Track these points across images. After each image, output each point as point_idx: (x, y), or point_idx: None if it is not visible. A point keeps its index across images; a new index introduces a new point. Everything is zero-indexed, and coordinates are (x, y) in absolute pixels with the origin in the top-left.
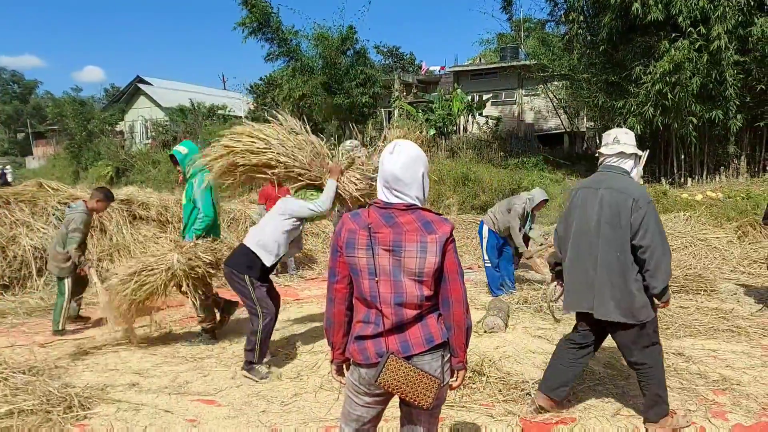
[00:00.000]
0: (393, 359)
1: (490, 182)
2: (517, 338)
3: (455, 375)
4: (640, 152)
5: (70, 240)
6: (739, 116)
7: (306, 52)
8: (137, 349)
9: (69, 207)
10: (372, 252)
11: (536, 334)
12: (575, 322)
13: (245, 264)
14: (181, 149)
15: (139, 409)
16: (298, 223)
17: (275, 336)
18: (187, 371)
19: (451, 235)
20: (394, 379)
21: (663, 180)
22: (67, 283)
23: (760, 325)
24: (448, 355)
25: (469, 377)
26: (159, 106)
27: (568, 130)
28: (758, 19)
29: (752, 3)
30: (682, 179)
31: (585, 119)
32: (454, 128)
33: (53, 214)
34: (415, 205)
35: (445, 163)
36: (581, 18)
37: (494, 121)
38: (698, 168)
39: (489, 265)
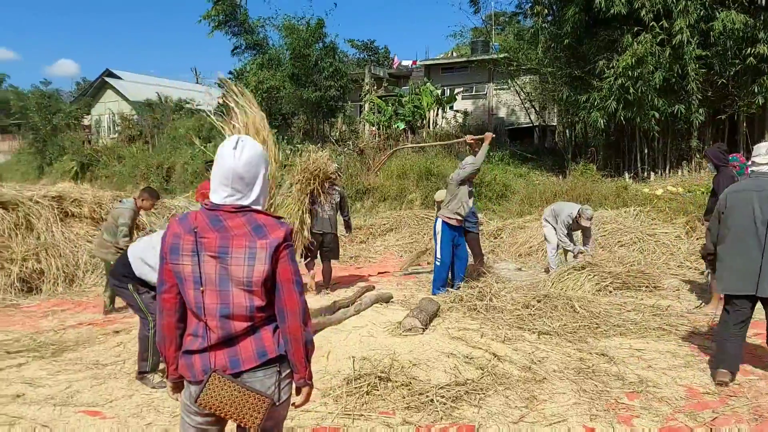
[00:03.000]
0: (215, 377)
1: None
2: (434, 340)
3: (300, 392)
4: None
5: (119, 232)
6: (701, 110)
7: (273, 44)
8: (39, 357)
9: (120, 201)
10: (197, 258)
11: (456, 336)
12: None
13: (121, 273)
14: None
15: (14, 423)
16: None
17: None
18: (83, 380)
19: (286, 240)
20: (217, 399)
21: (626, 174)
22: None
23: (693, 323)
24: (288, 371)
25: (374, 384)
26: (126, 99)
27: (536, 124)
28: (720, 13)
29: None
30: (645, 173)
31: (556, 113)
32: (424, 122)
33: None
34: (247, 207)
35: (409, 157)
36: (546, 11)
37: (462, 115)
38: (661, 162)
39: (439, 263)
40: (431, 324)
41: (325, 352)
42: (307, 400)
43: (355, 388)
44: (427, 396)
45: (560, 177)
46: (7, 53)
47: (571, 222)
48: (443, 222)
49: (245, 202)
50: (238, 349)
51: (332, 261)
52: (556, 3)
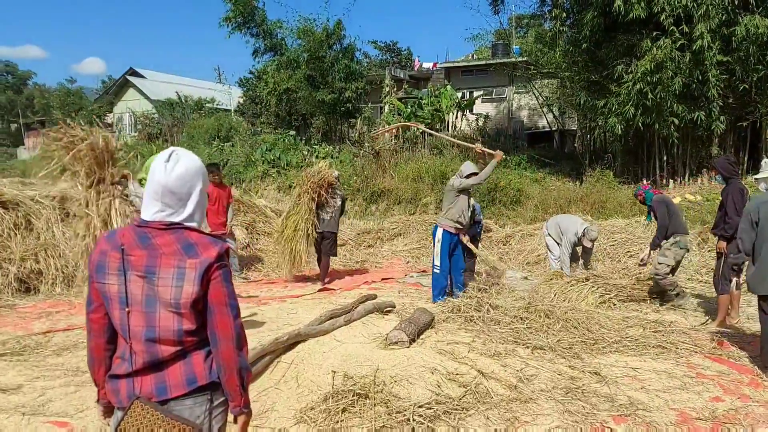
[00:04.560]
0: (137, 405)
1: None
2: (420, 354)
3: (237, 420)
4: None
5: None
6: (722, 118)
7: (291, 45)
8: (22, 361)
9: None
10: (124, 278)
11: (445, 350)
12: None
13: None
14: None
15: None
16: None
17: None
18: (58, 387)
19: (219, 259)
20: (138, 428)
21: (644, 181)
22: None
23: (695, 340)
24: (221, 399)
25: (352, 401)
26: (148, 98)
27: (554, 128)
28: (742, 18)
29: (736, 2)
30: (664, 181)
31: (576, 118)
32: (443, 125)
33: None
34: (178, 224)
35: (425, 160)
36: (564, 15)
37: (483, 119)
38: (680, 169)
39: (438, 271)
40: (422, 336)
41: (306, 365)
42: (244, 429)
43: (332, 405)
44: (404, 415)
45: (577, 183)
46: (36, 51)
47: (576, 241)
48: (443, 230)
49: (176, 219)
50: (166, 374)
51: (334, 261)
52: (574, 6)
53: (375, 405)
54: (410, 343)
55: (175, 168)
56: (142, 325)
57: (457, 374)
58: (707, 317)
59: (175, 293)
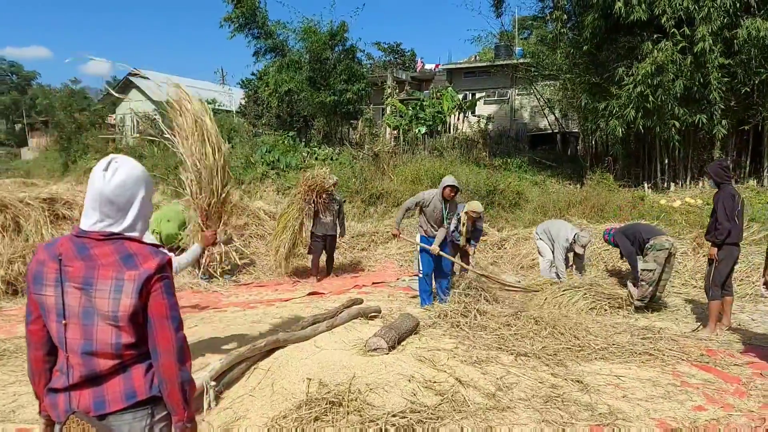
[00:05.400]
0: (73, 420)
1: (467, 183)
2: (399, 362)
3: None
4: None
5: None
6: (724, 122)
7: (293, 46)
8: (0, 365)
9: None
10: (61, 289)
11: (424, 357)
12: None
13: None
14: None
15: None
16: None
17: None
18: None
19: (159, 271)
20: None
21: (645, 184)
22: None
23: (683, 348)
24: (163, 413)
25: (326, 409)
26: (150, 99)
27: (556, 130)
28: (744, 21)
29: (738, 4)
30: (665, 184)
31: (578, 119)
32: (445, 126)
33: None
34: (117, 234)
35: (425, 162)
36: (565, 17)
37: (485, 120)
38: (682, 173)
39: (421, 275)
40: (404, 342)
41: (283, 372)
42: None
43: (305, 413)
44: (377, 423)
45: (578, 186)
46: (43, 51)
47: (568, 246)
48: (420, 234)
49: (116, 229)
50: (104, 389)
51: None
52: (575, 9)
53: (348, 413)
54: (390, 350)
55: (114, 176)
56: (79, 337)
57: (434, 382)
58: (698, 324)
59: (113, 305)
